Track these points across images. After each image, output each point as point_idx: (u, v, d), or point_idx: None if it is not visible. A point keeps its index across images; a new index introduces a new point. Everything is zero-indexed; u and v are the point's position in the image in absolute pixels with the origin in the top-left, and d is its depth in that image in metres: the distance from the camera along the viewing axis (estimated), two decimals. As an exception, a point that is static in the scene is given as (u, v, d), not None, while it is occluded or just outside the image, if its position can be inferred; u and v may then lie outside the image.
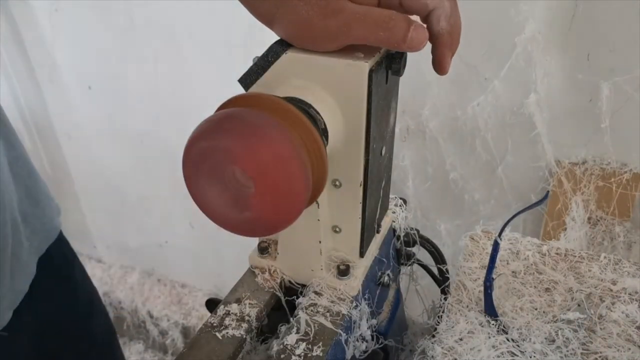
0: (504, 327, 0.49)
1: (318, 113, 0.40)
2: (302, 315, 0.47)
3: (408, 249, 0.63)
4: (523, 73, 0.87)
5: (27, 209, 0.66)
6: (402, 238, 0.61)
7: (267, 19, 0.41)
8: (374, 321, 0.53)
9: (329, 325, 0.46)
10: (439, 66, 0.43)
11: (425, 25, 0.39)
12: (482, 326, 0.49)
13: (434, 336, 0.50)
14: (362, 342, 0.51)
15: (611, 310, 0.51)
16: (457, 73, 0.92)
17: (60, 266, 0.75)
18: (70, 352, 0.73)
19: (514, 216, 0.50)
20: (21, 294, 0.64)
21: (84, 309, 0.78)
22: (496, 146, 0.97)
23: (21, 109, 1.58)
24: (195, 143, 0.35)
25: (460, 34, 0.43)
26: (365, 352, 0.51)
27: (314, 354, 0.44)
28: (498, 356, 0.46)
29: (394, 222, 0.60)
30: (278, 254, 0.52)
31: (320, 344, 0.44)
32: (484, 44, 0.88)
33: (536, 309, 0.52)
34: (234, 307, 0.49)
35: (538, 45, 0.84)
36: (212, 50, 1.17)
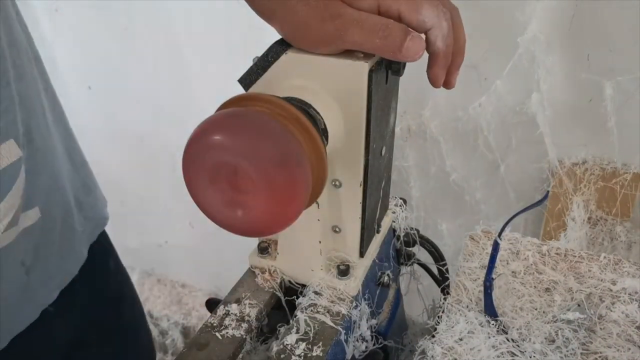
0: (503, 327, 0.49)
1: (318, 113, 0.40)
2: (301, 315, 0.47)
3: (408, 249, 0.63)
4: (525, 73, 0.87)
5: (82, 197, 0.69)
6: (402, 238, 0.61)
7: (268, 16, 0.42)
8: (374, 321, 0.53)
9: (328, 325, 0.46)
10: (432, 82, 0.44)
11: (423, 36, 0.39)
12: (482, 326, 0.49)
13: (433, 336, 0.50)
14: (362, 342, 0.51)
15: (611, 310, 0.51)
16: (459, 74, 0.92)
17: (101, 253, 0.77)
18: (99, 333, 0.74)
19: (513, 216, 0.50)
20: (70, 276, 0.66)
21: (116, 294, 0.80)
22: (498, 146, 0.97)
23: (21, 108, 1.58)
24: (195, 143, 0.35)
25: (462, 49, 0.43)
26: (365, 352, 0.51)
27: (314, 354, 0.44)
28: (498, 356, 0.46)
29: (394, 222, 0.60)
30: (278, 254, 0.52)
31: (320, 344, 0.44)
32: (485, 44, 0.88)
33: (536, 309, 0.51)
34: (234, 307, 0.49)
35: (540, 45, 0.84)
36: (212, 50, 1.17)
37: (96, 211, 0.74)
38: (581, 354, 0.46)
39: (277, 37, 0.43)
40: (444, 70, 0.43)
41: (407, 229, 0.62)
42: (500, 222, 0.50)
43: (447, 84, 0.45)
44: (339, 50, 0.40)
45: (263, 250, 0.53)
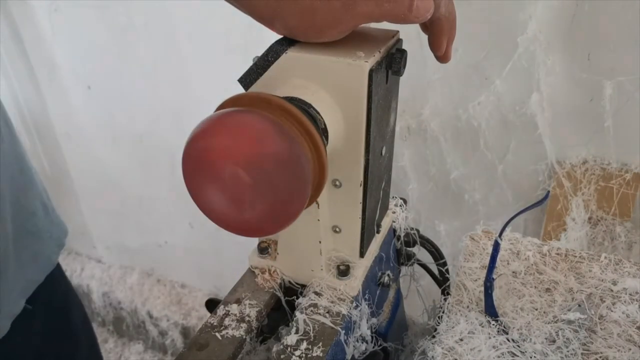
0: (504, 327, 0.49)
1: (318, 113, 0.40)
2: (301, 315, 0.47)
3: (408, 249, 0.63)
4: (525, 73, 0.87)
5: (45, 201, 0.68)
6: (402, 238, 0.61)
7: (267, 17, 0.41)
8: (374, 320, 0.53)
9: (328, 325, 0.46)
10: (437, 50, 0.43)
11: None
12: (483, 326, 0.49)
13: (434, 336, 0.49)
14: (362, 342, 0.50)
15: (612, 311, 0.51)
16: (459, 73, 0.92)
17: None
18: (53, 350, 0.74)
19: (514, 216, 0.49)
20: (35, 283, 0.65)
21: (62, 304, 0.78)
22: (497, 146, 0.97)
23: (20, 108, 1.58)
24: (194, 142, 0.35)
25: (455, 22, 0.43)
26: (365, 352, 0.51)
27: (314, 354, 0.43)
28: (498, 356, 0.46)
29: (394, 222, 0.60)
30: (278, 254, 0.52)
31: (320, 344, 0.44)
32: (486, 44, 0.88)
33: (536, 309, 0.51)
34: (234, 308, 0.49)
35: (540, 45, 0.84)
36: (212, 49, 1.17)
37: (58, 217, 0.73)
38: (582, 354, 0.46)
39: (277, 36, 0.43)
40: (446, 37, 0.43)
41: (407, 229, 0.61)
42: (498, 223, 0.50)
43: (445, 56, 0.45)
44: (347, 31, 0.40)
45: (263, 250, 0.53)
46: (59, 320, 0.74)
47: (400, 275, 0.66)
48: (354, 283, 0.49)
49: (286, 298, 0.52)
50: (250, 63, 0.43)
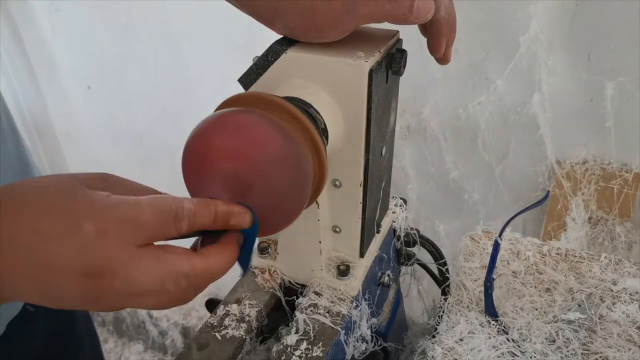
0: (504, 327, 0.49)
1: (318, 113, 0.40)
2: (301, 315, 0.47)
3: (408, 249, 0.63)
4: (527, 73, 0.87)
5: None
6: (402, 238, 0.61)
7: (268, 17, 0.41)
8: (374, 320, 0.53)
9: (329, 325, 0.46)
10: (435, 52, 0.43)
11: None
12: (483, 326, 0.49)
13: (434, 336, 0.49)
14: (362, 342, 0.50)
15: (612, 311, 0.51)
16: (460, 72, 0.92)
17: None
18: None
19: (514, 216, 0.49)
20: None
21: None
22: (497, 146, 0.97)
23: (21, 108, 1.58)
24: (194, 142, 0.35)
25: (455, 24, 0.43)
26: (365, 352, 0.51)
27: (314, 354, 0.43)
28: (498, 356, 0.46)
29: (394, 222, 0.60)
30: (278, 254, 0.52)
31: (320, 344, 0.44)
32: (486, 43, 0.88)
33: (537, 309, 0.51)
34: (234, 308, 0.49)
35: (542, 45, 0.83)
36: (212, 49, 1.17)
37: None
38: (582, 354, 0.46)
39: (277, 36, 0.43)
40: (445, 40, 0.43)
41: (407, 229, 0.61)
42: (497, 223, 0.50)
43: (445, 58, 0.45)
44: (349, 30, 0.40)
45: (263, 250, 0.53)
46: (62, 320, 0.74)
47: (400, 275, 0.66)
48: (354, 283, 0.49)
49: (286, 298, 0.52)
50: (250, 63, 0.43)
